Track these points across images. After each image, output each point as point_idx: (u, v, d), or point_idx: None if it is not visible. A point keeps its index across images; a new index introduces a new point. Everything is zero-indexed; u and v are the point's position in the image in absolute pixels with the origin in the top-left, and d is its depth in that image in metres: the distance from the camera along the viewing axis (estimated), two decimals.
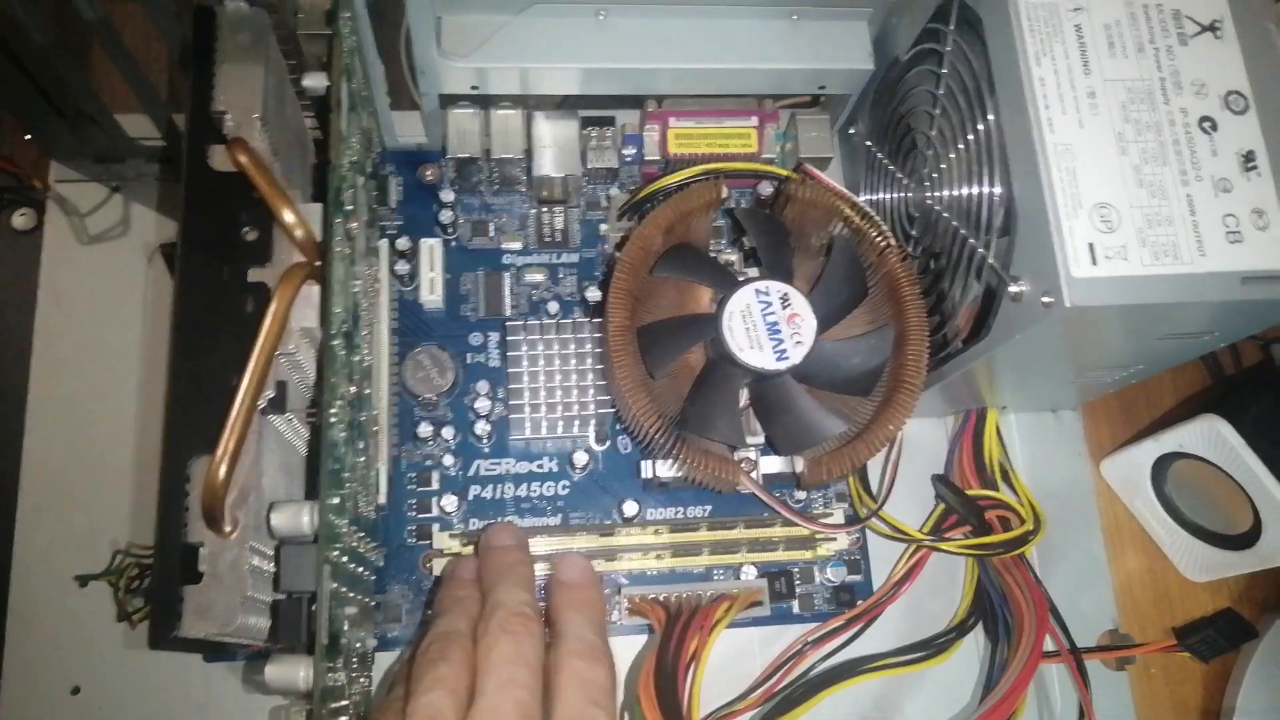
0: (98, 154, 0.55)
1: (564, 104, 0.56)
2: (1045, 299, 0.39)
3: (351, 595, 0.41)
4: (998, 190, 0.42)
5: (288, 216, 0.39)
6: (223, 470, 0.36)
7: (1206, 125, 0.40)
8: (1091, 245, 0.38)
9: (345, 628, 0.40)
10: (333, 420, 0.38)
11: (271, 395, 0.39)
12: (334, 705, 0.38)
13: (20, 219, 0.56)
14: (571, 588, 0.45)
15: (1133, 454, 0.57)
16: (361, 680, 0.45)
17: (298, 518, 0.37)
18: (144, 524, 0.51)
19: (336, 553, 0.38)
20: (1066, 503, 0.57)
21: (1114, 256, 0.38)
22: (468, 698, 0.38)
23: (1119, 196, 0.39)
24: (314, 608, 0.37)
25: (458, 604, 0.43)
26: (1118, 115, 0.40)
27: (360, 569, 0.44)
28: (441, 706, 0.37)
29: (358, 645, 0.44)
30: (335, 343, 0.38)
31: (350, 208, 0.43)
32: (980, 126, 0.43)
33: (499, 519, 0.52)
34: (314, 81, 0.44)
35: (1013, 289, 0.41)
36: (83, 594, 0.50)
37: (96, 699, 0.49)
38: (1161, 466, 0.57)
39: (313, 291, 0.40)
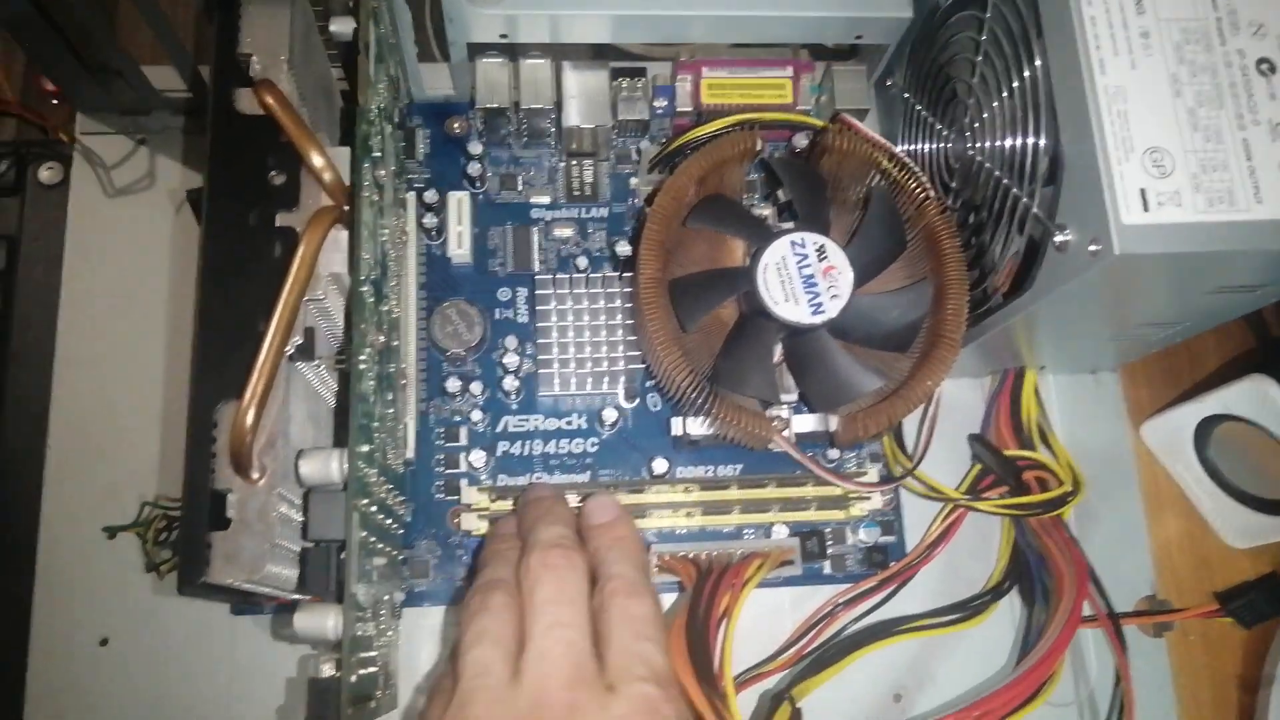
0: (124, 107, 0.55)
1: (598, 55, 0.55)
2: (1093, 247, 0.37)
3: (380, 546, 0.41)
4: (1044, 138, 0.41)
5: (316, 159, 0.38)
6: (250, 415, 0.35)
7: (1264, 68, 0.39)
8: (1143, 191, 0.37)
9: (374, 578, 0.40)
10: (361, 368, 0.37)
11: (299, 342, 0.39)
12: (362, 655, 0.37)
13: (47, 173, 0.56)
14: (604, 528, 0.44)
15: (1175, 416, 0.56)
16: (389, 633, 0.44)
17: (327, 465, 0.37)
18: (172, 476, 0.50)
19: (365, 502, 0.38)
20: (1105, 466, 0.56)
21: (1167, 203, 0.37)
22: (516, 645, 0.37)
23: (1172, 141, 0.38)
24: (343, 556, 0.36)
25: (498, 555, 0.43)
26: (1172, 56, 0.39)
27: (388, 521, 0.44)
28: (489, 660, 0.37)
29: (386, 598, 0.43)
30: (364, 289, 0.38)
31: (378, 154, 0.42)
32: (1026, 72, 0.42)
33: (528, 475, 0.51)
34: (341, 26, 0.43)
35: (1059, 238, 0.39)
36: (111, 546, 0.50)
37: (125, 650, 0.49)
38: (1205, 429, 0.55)
39: (341, 237, 0.39)
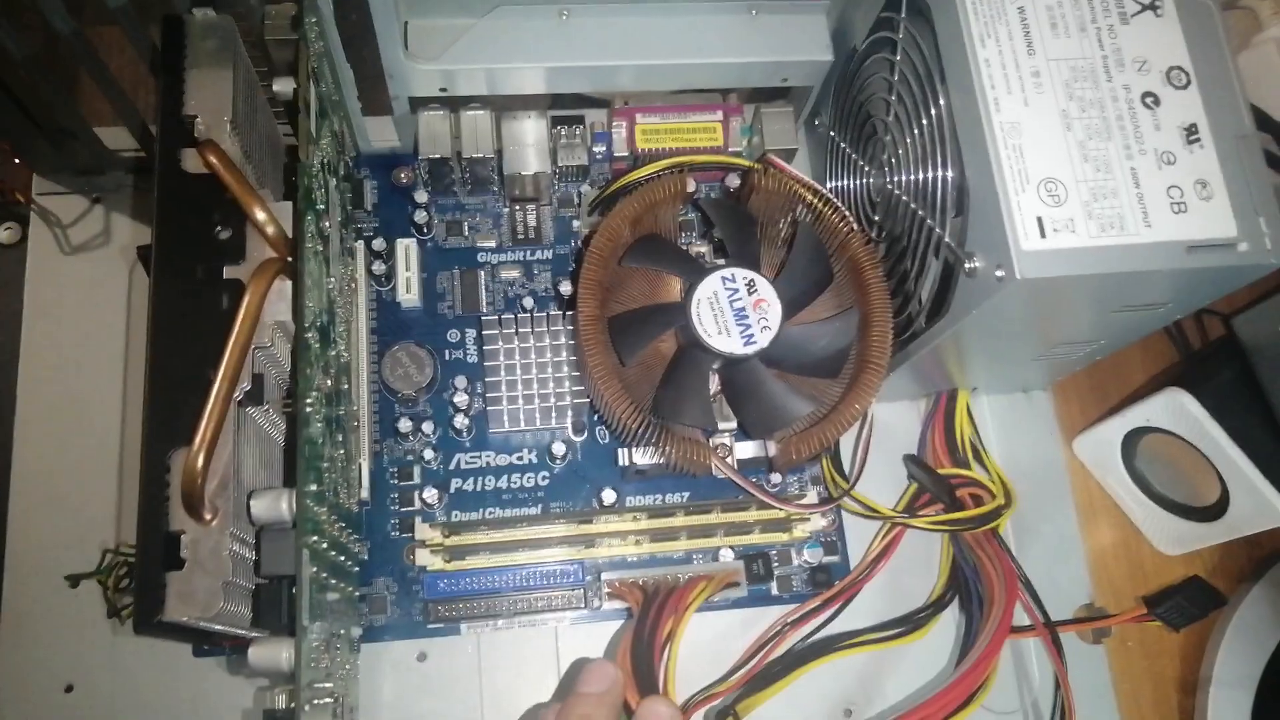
0: (78, 167, 0.57)
1: (538, 105, 0.57)
2: (998, 273, 0.40)
3: (333, 582, 0.42)
4: (951, 171, 0.43)
5: (259, 214, 0.40)
6: (200, 459, 0.37)
7: (1149, 100, 0.42)
8: (1040, 219, 0.39)
9: (326, 613, 0.41)
10: (308, 411, 0.39)
11: (248, 388, 0.41)
12: (316, 686, 0.39)
13: (4, 233, 0.58)
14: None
15: (1103, 430, 0.58)
16: (347, 667, 0.45)
17: (276, 504, 0.38)
18: (131, 524, 0.50)
19: (315, 539, 0.39)
20: (1040, 481, 0.58)
21: (1062, 229, 0.39)
22: None
23: (1065, 171, 0.40)
24: (294, 591, 0.38)
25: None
26: (1062, 93, 0.41)
27: (342, 558, 0.45)
28: None
29: (341, 632, 0.45)
30: (309, 335, 0.39)
31: (321, 206, 0.44)
32: (933, 110, 0.44)
33: (482, 511, 0.53)
34: (283, 86, 0.45)
35: (968, 265, 0.42)
36: (74, 594, 0.51)
37: (89, 696, 0.50)
38: (1130, 441, 0.58)
39: (286, 287, 0.41)
